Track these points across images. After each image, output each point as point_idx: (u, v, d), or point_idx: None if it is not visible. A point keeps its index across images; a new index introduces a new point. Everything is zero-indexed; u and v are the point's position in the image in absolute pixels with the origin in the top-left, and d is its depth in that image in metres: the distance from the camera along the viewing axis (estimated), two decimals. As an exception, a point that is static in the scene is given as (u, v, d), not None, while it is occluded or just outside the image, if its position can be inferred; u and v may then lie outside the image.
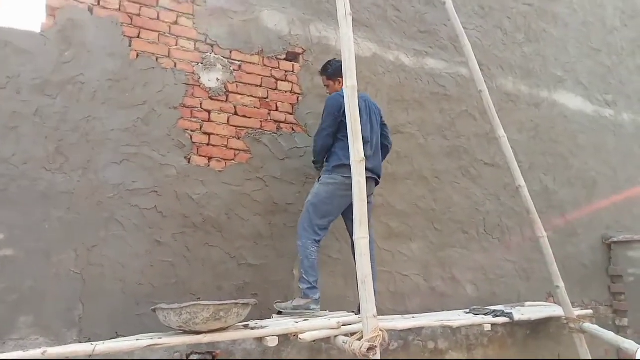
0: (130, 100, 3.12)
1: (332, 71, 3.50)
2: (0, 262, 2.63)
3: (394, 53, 4.34)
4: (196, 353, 2.97)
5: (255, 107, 3.59)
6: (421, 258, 4.11)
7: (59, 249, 2.78)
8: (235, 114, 3.51)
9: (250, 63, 3.63)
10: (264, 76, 3.68)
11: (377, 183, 3.49)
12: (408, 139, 4.27)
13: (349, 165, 3.01)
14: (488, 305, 4.16)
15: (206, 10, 3.50)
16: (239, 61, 3.58)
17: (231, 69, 3.54)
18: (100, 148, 2.99)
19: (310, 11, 3.97)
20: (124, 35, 3.17)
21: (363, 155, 2.74)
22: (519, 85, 5.15)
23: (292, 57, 3.83)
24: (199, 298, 3.06)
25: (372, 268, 3.24)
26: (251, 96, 3.59)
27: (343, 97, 3.27)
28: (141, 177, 3.08)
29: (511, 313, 3.66)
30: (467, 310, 3.91)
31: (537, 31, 5.45)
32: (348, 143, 3.08)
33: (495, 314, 3.65)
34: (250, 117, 3.55)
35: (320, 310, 3.17)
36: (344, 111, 3.19)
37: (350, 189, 3.07)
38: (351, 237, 3.35)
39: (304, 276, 3.10)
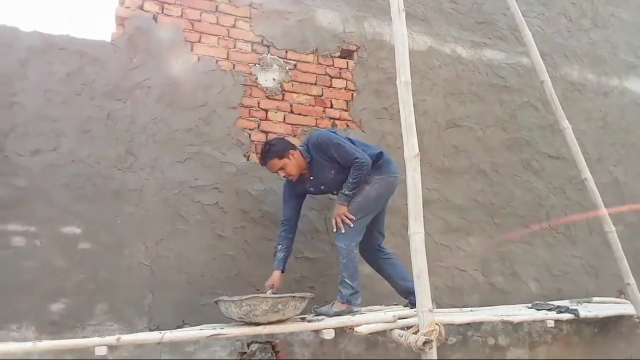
0: (192, 102, 3.29)
1: (281, 149, 3.05)
2: (79, 255, 2.87)
3: (450, 45, 4.29)
4: (256, 342, 3.09)
5: (310, 105, 3.68)
6: (480, 253, 4.04)
7: (130, 243, 2.99)
8: (291, 112, 3.61)
9: (305, 62, 3.72)
10: (319, 74, 3.75)
11: None
12: (466, 133, 4.21)
13: (392, 164, 3.19)
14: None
15: (262, 13, 3.61)
16: (294, 60, 3.68)
17: (287, 68, 3.63)
18: (166, 148, 3.17)
19: (364, 8, 3.99)
20: (186, 40, 3.35)
21: (417, 150, 2.74)
22: (586, 73, 4.91)
23: (346, 54, 3.88)
24: (258, 290, 3.18)
25: (397, 265, 3.26)
26: (306, 94, 3.68)
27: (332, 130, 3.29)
28: (203, 174, 3.24)
29: (577, 309, 3.52)
30: (529, 306, 3.80)
31: (604, 16, 5.17)
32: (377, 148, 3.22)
33: (560, 309, 3.53)
34: (305, 115, 3.64)
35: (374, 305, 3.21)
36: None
37: (392, 187, 3.16)
38: (374, 234, 3.28)
39: (347, 280, 2.97)
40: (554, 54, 4.77)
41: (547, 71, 4.07)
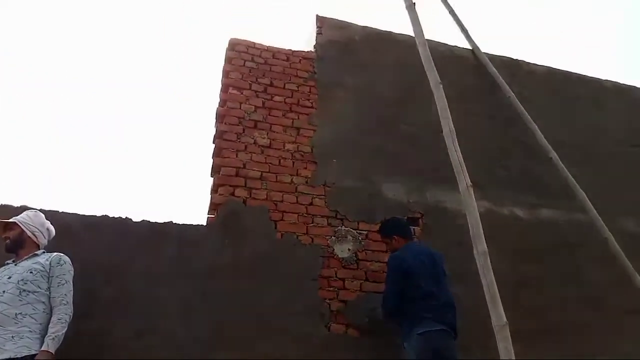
0: (277, 277, 3.52)
1: (386, 230, 3.70)
2: None
3: (507, 207, 4.53)
4: None
5: (383, 272, 3.82)
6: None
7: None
8: (366, 279, 3.78)
9: (376, 232, 3.96)
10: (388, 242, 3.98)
11: (455, 337, 3.27)
12: (535, 291, 4.24)
13: (421, 322, 3.17)
14: None
15: (335, 190, 3.99)
16: (365, 231, 3.95)
17: (360, 238, 3.89)
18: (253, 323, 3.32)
19: (424, 179, 4.33)
20: (271, 220, 3.70)
21: (505, 320, 2.81)
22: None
23: (412, 221, 4.13)
24: None
25: None
26: (379, 262, 3.88)
27: (401, 258, 3.41)
28: (290, 349, 3.32)
29: None
30: None
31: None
32: (417, 302, 3.23)
33: None
34: (379, 282, 3.78)
35: None
36: (406, 272, 3.31)
37: (429, 343, 3.11)
38: None
39: None
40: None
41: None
